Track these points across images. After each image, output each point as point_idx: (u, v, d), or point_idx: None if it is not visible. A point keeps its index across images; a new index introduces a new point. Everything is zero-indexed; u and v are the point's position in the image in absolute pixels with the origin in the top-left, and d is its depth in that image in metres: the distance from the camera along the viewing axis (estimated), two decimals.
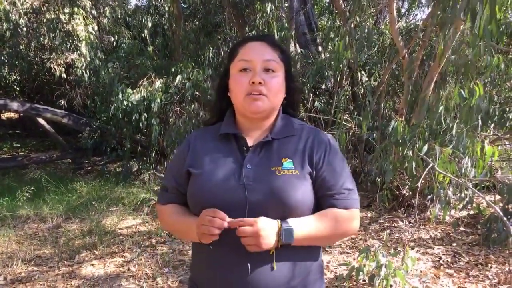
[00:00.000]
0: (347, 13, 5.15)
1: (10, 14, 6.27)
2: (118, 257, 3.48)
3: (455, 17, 2.79)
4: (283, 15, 6.12)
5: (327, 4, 8.67)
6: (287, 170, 1.05)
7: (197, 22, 7.63)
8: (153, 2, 8.07)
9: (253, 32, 5.71)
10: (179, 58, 6.55)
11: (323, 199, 1.08)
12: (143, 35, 7.57)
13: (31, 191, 4.93)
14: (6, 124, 11.55)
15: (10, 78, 8.29)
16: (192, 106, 5.61)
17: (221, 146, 1.14)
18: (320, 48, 6.89)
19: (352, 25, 4.56)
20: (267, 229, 0.96)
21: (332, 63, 4.78)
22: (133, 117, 5.69)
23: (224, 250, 1.04)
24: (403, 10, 7.02)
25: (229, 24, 6.62)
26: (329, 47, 5.59)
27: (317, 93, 6.07)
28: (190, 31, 7.09)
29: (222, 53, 6.16)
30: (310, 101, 5.55)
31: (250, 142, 1.13)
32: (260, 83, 1.07)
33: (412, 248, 3.29)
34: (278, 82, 1.12)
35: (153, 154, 6.63)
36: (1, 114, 11.43)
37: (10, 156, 8.55)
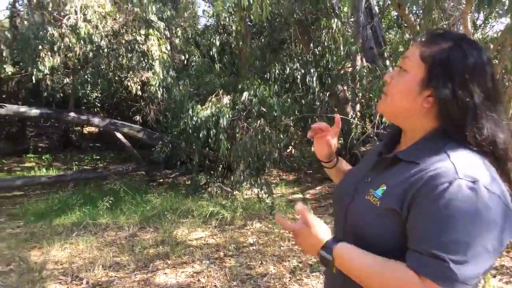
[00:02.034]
0: (417, 27, 5.00)
1: (93, 37, 6.89)
2: (189, 268, 3.62)
3: None
4: (349, 30, 6.09)
5: (395, 17, 8.46)
6: (373, 197, 0.92)
7: (262, 40, 7.82)
8: (221, 22, 8.39)
9: (318, 49, 5.74)
10: (246, 75, 6.74)
11: (405, 250, 0.86)
12: (211, 53, 7.90)
13: (111, 201, 5.29)
14: (88, 137, 12.56)
15: (92, 95, 9.04)
16: (258, 122, 5.72)
17: (372, 153, 1.12)
18: (387, 62, 6.74)
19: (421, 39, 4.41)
20: (308, 236, 0.94)
21: None
22: (202, 132, 5.92)
23: None
24: (478, 22, 6.65)
25: (294, 40, 6.69)
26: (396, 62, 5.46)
27: None
28: (256, 49, 7.28)
29: (288, 69, 6.24)
30: (377, 117, 5.43)
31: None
32: (386, 81, 0.98)
33: (494, 276, 3.06)
34: (403, 82, 0.93)
35: (220, 168, 6.83)
36: (84, 129, 12.44)
37: (91, 167, 9.26)
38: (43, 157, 10.04)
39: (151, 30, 7.31)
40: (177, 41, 8.34)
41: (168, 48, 7.82)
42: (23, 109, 7.65)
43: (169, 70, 7.41)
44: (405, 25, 6.39)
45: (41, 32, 6.53)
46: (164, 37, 7.73)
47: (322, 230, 0.94)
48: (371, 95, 5.11)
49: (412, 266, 0.81)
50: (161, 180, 8.01)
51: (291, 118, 5.73)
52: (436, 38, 0.92)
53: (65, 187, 7.34)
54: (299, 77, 5.92)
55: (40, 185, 7.46)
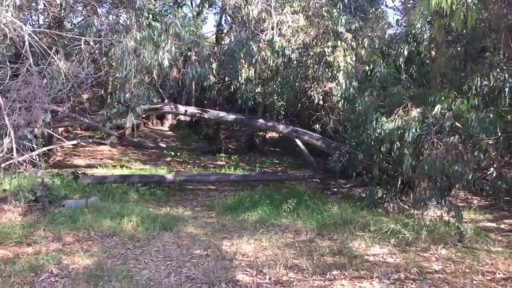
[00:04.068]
0: None
1: (285, 50, 7.42)
2: (366, 283, 3.52)
3: None
4: None
5: None
6: None
7: (459, 48, 7.09)
8: (412, 31, 7.96)
9: None
10: (438, 87, 6.20)
11: None
12: (397, 63, 7.56)
13: (293, 204, 5.58)
14: (269, 142, 13.63)
15: (278, 103, 9.75)
16: (451, 138, 5.18)
17: None
18: None
19: None
20: None
21: None
22: (385, 145, 5.70)
23: None
24: None
25: (502, 48, 5.84)
26: None
27: None
28: (452, 58, 6.64)
29: (492, 80, 5.48)
30: None
31: None
32: None
33: None
34: None
35: (399, 184, 6.46)
36: (266, 134, 13.54)
37: (271, 170, 10.00)
38: (232, 157, 11.31)
39: (338, 42, 7.45)
40: (362, 52, 8.28)
41: (353, 59, 7.84)
42: (222, 114, 8.78)
43: (352, 81, 7.40)
44: None
45: (244, 48, 7.36)
46: (350, 48, 7.78)
47: None
48: None
49: None
50: (335, 189, 8.06)
51: (492, 136, 5.00)
52: None
53: (249, 186, 8.09)
54: (506, 89, 5.12)
55: (229, 182, 8.42)
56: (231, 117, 8.65)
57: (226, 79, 10.90)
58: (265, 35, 7.55)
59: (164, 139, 14.35)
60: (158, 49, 6.86)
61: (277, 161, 11.04)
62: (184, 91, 11.82)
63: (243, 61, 7.98)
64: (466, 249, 4.25)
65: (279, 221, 5.34)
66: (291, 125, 9.19)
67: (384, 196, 6.70)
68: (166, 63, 6.87)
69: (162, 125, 15.84)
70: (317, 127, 8.62)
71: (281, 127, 8.46)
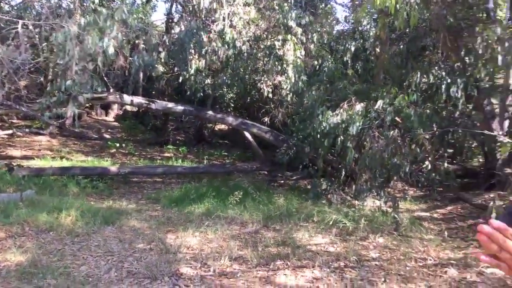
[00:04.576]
0: None
1: (236, 42, 7.37)
2: (308, 272, 3.59)
3: None
4: (506, 38, 5.37)
5: None
6: None
7: (401, 46, 7.41)
8: (358, 28, 8.21)
9: (469, 57, 5.18)
10: (381, 83, 6.45)
11: None
12: (344, 59, 7.78)
13: (240, 196, 5.58)
14: (218, 134, 13.55)
15: (227, 96, 9.70)
16: (391, 132, 5.42)
17: None
18: None
19: None
20: None
21: None
22: (329, 138, 5.86)
23: None
24: None
25: (441, 47, 6.18)
26: None
27: None
28: (394, 55, 6.93)
29: (431, 77, 5.78)
30: None
31: None
32: None
33: None
34: None
35: (343, 176, 6.68)
36: (215, 126, 13.45)
37: (219, 162, 9.95)
38: (180, 149, 11.13)
39: (289, 36, 7.52)
40: (311, 46, 8.42)
41: (303, 53, 7.95)
42: (170, 105, 8.59)
43: (301, 75, 7.52)
44: None
45: (195, 38, 7.23)
46: (300, 42, 7.88)
47: None
48: None
49: None
50: (282, 181, 8.18)
51: (429, 130, 5.30)
52: None
53: (197, 179, 8.00)
54: (443, 86, 5.43)
55: (176, 174, 8.27)
56: (180, 108, 8.48)
57: (176, 69, 10.66)
58: (216, 25, 7.45)
59: (109, 130, 13.82)
60: (104, 36, 6.55)
61: (226, 153, 11.01)
62: (130, 81, 11.41)
63: (193, 51, 7.84)
64: (401, 237, 4.48)
65: (226, 213, 5.33)
66: (240, 117, 9.18)
67: (328, 187, 6.90)
68: (111, 50, 6.57)
69: (107, 115, 15.24)
70: (266, 120, 8.68)
71: (230, 119, 8.43)
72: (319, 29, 8.48)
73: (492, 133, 5.43)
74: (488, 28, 4.70)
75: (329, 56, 8.38)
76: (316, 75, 7.95)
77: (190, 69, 7.84)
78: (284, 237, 4.42)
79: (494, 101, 6.27)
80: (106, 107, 15.15)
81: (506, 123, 6.17)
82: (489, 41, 4.82)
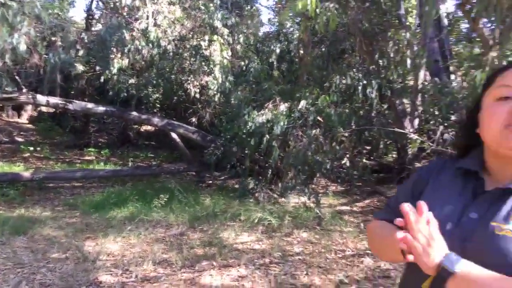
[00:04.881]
0: (491, 42, 4.69)
1: (161, 41, 7.19)
2: (234, 271, 3.60)
3: None
4: (414, 42, 5.85)
5: (464, 30, 8.05)
6: (511, 231, 0.84)
7: (323, 49, 7.72)
8: (283, 30, 8.42)
9: (383, 60, 5.56)
10: (304, 84, 6.68)
11: None
12: (270, 60, 7.93)
13: (165, 199, 5.42)
14: (144, 135, 13.07)
15: (153, 96, 9.39)
16: (314, 131, 5.63)
17: (455, 182, 1.00)
18: (453, 77, 6.41)
19: (495, 54, 4.14)
20: (436, 247, 0.84)
21: (466, 93, 4.39)
22: (255, 138, 5.93)
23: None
24: None
25: (356, 51, 6.56)
26: (465, 76, 5.17)
27: (446, 124, 5.62)
28: (316, 57, 7.21)
29: (349, 79, 6.10)
30: (438, 133, 5.18)
31: (490, 186, 0.95)
32: None
33: None
34: None
35: (269, 174, 6.80)
36: (141, 127, 12.98)
37: (145, 164, 9.61)
38: (102, 152, 10.56)
39: (215, 36, 7.49)
40: (238, 47, 8.47)
41: (229, 54, 7.97)
42: (90, 105, 8.11)
43: (228, 75, 7.53)
44: (477, 39, 6.04)
45: (116, 35, 6.91)
46: (227, 43, 7.89)
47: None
48: (435, 111, 4.85)
49: None
50: (210, 182, 8.12)
51: (348, 129, 5.59)
52: None
53: (120, 182, 7.65)
54: (360, 88, 5.76)
55: (97, 178, 7.83)
56: (101, 109, 8.05)
57: (97, 68, 10.12)
58: (139, 24, 7.20)
59: (22, 133, 12.72)
60: (14, 32, 6.02)
61: (152, 155, 10.67)
62: (46, 80, 10.59)
63: (115, 49, 7.50)
64: (323, 231, 4.67)
65: (150, 216, 5.16)
66: (166, 118, 8.95)
67: (255, 186, 6.99)
68: (23, 47, 6.07)
69: (19, 117, 14.01)
70: (194, 120, 8.56)
71: (155, 120, 8.18)
72: (245, 31, 8.56)
73: (403, 131, 5.86)
74: (399, 33, 5.07)
75: (256, 57, 8.49)
76: (243, 76, 8.01)
77: (112, 68, 7.48)
78: (210, 238, 4.39)
79: (405, 101, 6.79)
80: (19, 108, 13.92)
81: (416, 121, 6.70)
82: (400, 45, 5.21)
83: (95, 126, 13.40)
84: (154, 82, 8.32)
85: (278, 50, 7.80)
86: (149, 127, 12.87)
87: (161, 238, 4.50)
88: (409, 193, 1.07)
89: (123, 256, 3.92)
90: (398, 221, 0.91)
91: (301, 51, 7.24)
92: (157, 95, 9.53)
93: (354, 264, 3.72)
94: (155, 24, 7.13)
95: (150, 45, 7.18)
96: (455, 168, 1.02)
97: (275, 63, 7.80)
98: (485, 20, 5.51)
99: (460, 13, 6.53)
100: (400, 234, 0.88)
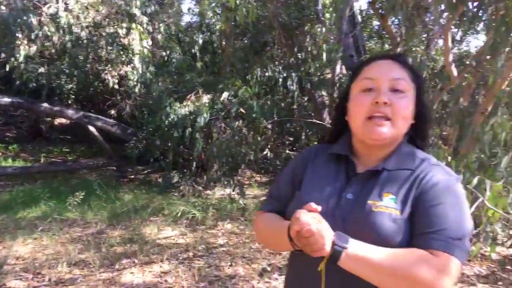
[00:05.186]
0: (398, 38, 5.08)
1: (73, 27, 6.69)
2: (156, 267, 3.52)
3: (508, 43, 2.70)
4: (331, 37, 6.14)
5: (376, 27, 8.61)
6: (385, 207, 0.92)
7: (245, 41, 7.79)
8: (205, 21, 8.33)
9: (301, 53, 5.75)
10: (227, 75, 6.69)
11: (416, 240, 0.90)
12: (193, 51, 7.81)
13: (82, 196, 5.12)
14: (58, 129, 12.17)
15: (67, 86, 8.76)
16: (237, 123, 5.68)
17: (329, 167, 1.06)
18: None
19: (402, 50, 4.50)
20: (327, 229, 0.88)
21: None
22: (178, 130, 5.83)
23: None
24: (457, 37, 6.81)
25: (277, 44, 6.71)
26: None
27: None
28: (239, 49, 7.25)
29: (270, 71, 6.23)
30: None
31: (360, 168, 1.02)
32: (385, 103, 0.94)
33: (455, 284, 3.12)
34: (407, 104, 0.97)
35: (194, 167, 6.74)
36: (55, 120, 12.07)
37: (60, 160, 8.98)
38: (10, 147, 9.66)
39: (133, 24, 7.15)
40: (159, 37, 8.20)
41: (150, 43, 7.68)
42: None
43: (149, 66, 7.26)
44: (386, 35, 6.50)
45: (19, 19, 6.31)
46: (147, 32, 7.58)
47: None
48: None
49: (432, 247, 0.86)
50: (133, 176, 7.84)
51: (270, 120, 5.72)
52: (405, 60, 1.04)
53: (31, 180, 7.07)
54: (280, 80, 5.91)
55: (4, 176, 7.16)
56: (6, 100, 7.34)
57: (2, 55, 9.16)
58: (48, 8, 6.64)
59: None
60: None
61: (68, 150, 9.99)
62: None
63: (20, 35, 6.83)
64: (247, 221, 4.75)
65: (65, 215, 4.85)
66: (82, 110, 8.43)
67: (180, 179, 6.89)
68: None
69: None
70: (113, 112, 8.14)
71: (70, 112, 7.66)
72: (166, 20, 8.31)
73: (322, 122, 6.15)
74: (315, 28, 5.27)
75: (178, 48, 8.31)
76: (164, 66, 7.80)
77: (18, 55, 6.82)
78: (131, 234, 4.24)
79: (323, 93, 7.11)
80: None
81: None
82: (316, 40, 5.43)
83: (1, 119, 12.18)
84: (67, 71, 7.74)
85: (201, 41, 7.73)
86: (64, 120, 12.00)
87: (77, 237, 4.25)
88: (289, 181, 1.12)
89: (34, 259, 3.64)
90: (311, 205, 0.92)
91: (224, 43, 7.24)
92: (72, 86, 8.90)
93: (277, 252, 3.84)
94: (66, 9, 6.62)
95: (61, 31, 6.67)
96: (328, 153, 1.08)
97: (198, 54, 7.71)
98: (393, 18, 5.95)
99: (371, 11, 6.97)
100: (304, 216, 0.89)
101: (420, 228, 0.90)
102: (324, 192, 1.01)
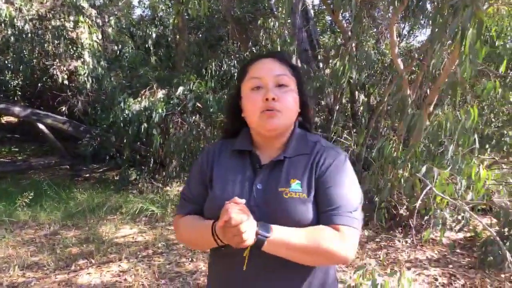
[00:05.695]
0: (349, 32, 5.25)
1: (15, 20, 6.35)
2: (115, 267, 3.48)
3: (444, 35, 2.88)
4: (286, 32, 6.22)
5: (329, 22, 8.81)
6: (294, 192, 1.04)
7: (200, 35, 7.72)
8: (158, 14, 8.16)
9: (256, 47, 5.79)
10: (182, 70, 6.62)
11: (320, 217, 1.04)
12: (146, 45, 7.64)
13: (30, 197, 4.92)
14: (5, 128, 11.54)
15: (12, 83, 8.33)
16: (193, 117, 5.65)
17: (235, 162, 1.13)
18: (321, 65, 6.99)
19: (353, 44, 4.66)
20: (249, 226, 0.93)
21: (332, 80, 4.87)
22: (134, 126, 5.72)
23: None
24: (404, 32, 7.12)
25: (232, 38, 6.71)
26: (330, 65, 5.69)
27: (317, 109, 6.14)
28: (193, 44, 7.18)
29: (225, 66, 6.23)
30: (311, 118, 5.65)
31: (264, 159, 1.12)
32: (274, 99, 1.06)
33: (409, 269, 3.31)
34: (292, 96, 1.11)
35: (152, 163, 6.64)
36: (1, 118, 11.43)
37: (8, 160, 8.54)
38: None
39: (81, 17, 6.88)
40: (109, 30, 7.94)
41: (100, 37, 7.42)
42: None
43: (100, 60, 7.03)
44: (338, 30, 6.68)
45: None
46: (96, 25, 7.32)
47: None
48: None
49: (335, 222, 1.01)
50: (87, 175, 7.61)
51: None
52: (284, 57, 1.16)
53: None
54: (236, 74, 5.93)
55: None
56: None
57: None
58: None
59: None
60: None
61: (17, 149, 9.53)
62: None
63: None
64: None
65: (16, 217, 4.66)
66: (31, 107, 8.04)
67: (138, 177, 6.78)
68: None
69: None
70: (64, 109, 7.82)
71: (16, 109, 7.28)
72: (116, 13, 8.06)
73: None
74: (268, 22, 5.33)
75: (130, 42, 8.10)
76: (117, 61, 7.58)
77: None
78: (87, 234, 4.15)
79: None
80: None
81: None
82: (270, 34, 5.49)
83: None
84: (12, 67, 7.35)
85: (154, 35, 7.56)
86: (12, 118, 11.38)
87: (29, 239, 4.11)
88: (199, 181, 1.17)
89: None
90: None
91: (178, 37, 7.14)
92: (18, 82, 8.47)
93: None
94: (7, 1, 6.28)
95: (3, 25, 6.31)
96: (231, 150, 1.16)
97: (151, 48, 7.55)
98: (344, 13, 6.12)
99: (323, 6, 7.12)
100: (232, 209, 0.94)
101: (323, 207, 1.04)
102: (236, 187, 1.09)
